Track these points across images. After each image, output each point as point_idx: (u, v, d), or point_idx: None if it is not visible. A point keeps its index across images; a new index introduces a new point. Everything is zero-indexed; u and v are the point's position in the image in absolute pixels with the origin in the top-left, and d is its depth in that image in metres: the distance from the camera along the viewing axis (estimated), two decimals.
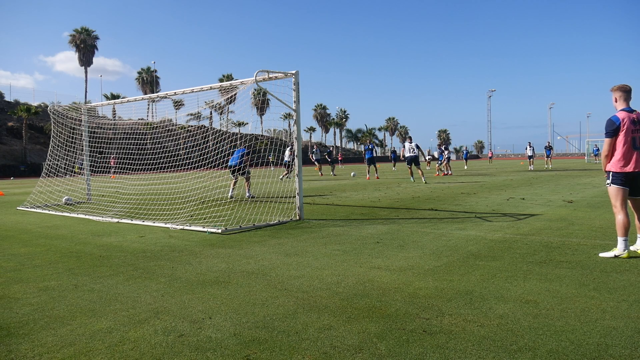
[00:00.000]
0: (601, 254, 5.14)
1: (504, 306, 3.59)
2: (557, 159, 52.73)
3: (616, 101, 5.10)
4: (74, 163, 14.01)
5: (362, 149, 29.64)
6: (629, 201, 5.12)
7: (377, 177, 22.49)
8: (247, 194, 12.99)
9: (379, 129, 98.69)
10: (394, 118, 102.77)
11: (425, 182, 17.99)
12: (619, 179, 4.99)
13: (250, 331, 3.23)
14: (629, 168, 4.94)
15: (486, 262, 5.00)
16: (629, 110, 4.98)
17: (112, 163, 14.90)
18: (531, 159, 30.92)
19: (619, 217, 4.97)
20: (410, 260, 5.16)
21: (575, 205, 9.78)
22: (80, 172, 14.24)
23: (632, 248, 5.18)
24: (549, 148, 32.77)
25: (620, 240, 4.99)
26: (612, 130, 4.95)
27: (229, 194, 12.95)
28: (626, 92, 5.03)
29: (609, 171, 5.06)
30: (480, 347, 2.86)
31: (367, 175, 23.36)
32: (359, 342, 3.00)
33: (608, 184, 5.09)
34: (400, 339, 3.02)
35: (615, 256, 5.00)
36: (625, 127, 4.90)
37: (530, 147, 31.16)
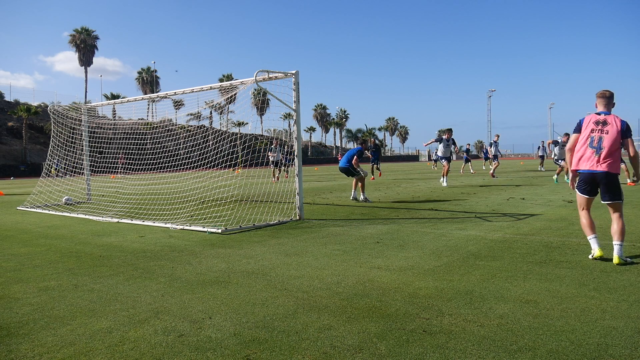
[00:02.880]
0: (590, 256, 5.10)
1: (504, 306, 3.59)
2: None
3: (596, 107, 5.21)
4: (50, 164, 13.88)
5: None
6: (607, 206, 5.11)
7: (380, 174, 22.32)
8: (362, 197, 11.67)
9: (379, 129, 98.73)
10: (394, 118, 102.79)
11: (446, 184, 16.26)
12: (579, 182, 5.13)
13: (250, 331, 3.23)
14: (583, 166, 5.00)
15: (486, 262, 5.00)
16: (599, 113, 5.09)
17: (120, 162, 14.88)
18: (542, 160, 29.31)
19: (581, 219, 5.20)
20: (410, 260, 5.17)
21: (575, 205, 9.76)
22: (56, 173, 14.16)
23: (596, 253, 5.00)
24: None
25: (589, 239, 5.09)
26: (576, 127, 5.17)
27: (352, 196, 11.99)
28: (604, 97, 5.13)
29: (574, 170, 5.17)
30: (480, 347, 2.86)
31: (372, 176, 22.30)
32: (359, 342, 3.00)
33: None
34: (400, 339, 3.02)
35: (593, 257, 4.98)
36: (586, 125, 5.04)
37: (542, 147, 29.53)
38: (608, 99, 5.10)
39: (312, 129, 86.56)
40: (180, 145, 15.96)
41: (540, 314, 3.41)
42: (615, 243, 4.85)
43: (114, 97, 57.26)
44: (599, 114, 5.08)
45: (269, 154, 20.46)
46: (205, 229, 7.59)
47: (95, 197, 13.63)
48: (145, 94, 59.99)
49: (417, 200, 11.71)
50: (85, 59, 63.33)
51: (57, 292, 4.29)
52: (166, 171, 13.16)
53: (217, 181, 12.26)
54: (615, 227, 4.91)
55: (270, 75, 8.74)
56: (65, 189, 13.74)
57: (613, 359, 2.69)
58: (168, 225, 8.26)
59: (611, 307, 3.52)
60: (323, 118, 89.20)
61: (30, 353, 2.97)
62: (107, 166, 13.92)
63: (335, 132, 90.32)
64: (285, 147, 21.68)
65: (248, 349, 2.93)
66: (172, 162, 12.81)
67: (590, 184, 5.01)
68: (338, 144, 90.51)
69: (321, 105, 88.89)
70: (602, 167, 4.87)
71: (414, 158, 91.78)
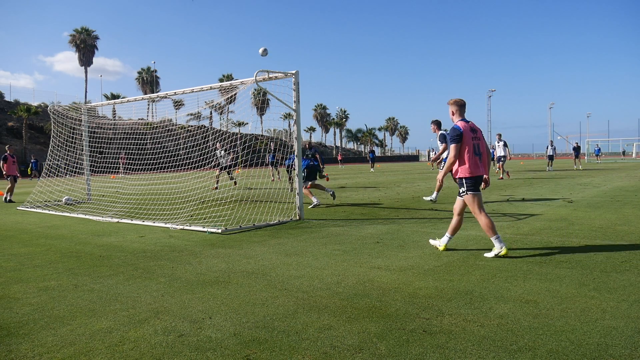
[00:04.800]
0: (486, 254, 5.31)
1: (504, 306, 3.59)
2: (557, 158, 52.61)
3: (453, 114, 5.50)
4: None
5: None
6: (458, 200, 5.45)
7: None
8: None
9: (379, 129, 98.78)
10: (394, 118, 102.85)
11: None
12: (471, 184, 5.26)
13: (250, 331, 3.23)
14: (475, 172, 5.25)
15: (486, 262, 5.00)
16: (466, 120, 5.40)
17: (121, 161, 14.84)
18: (551, 160, 28.10)
19: (482, 220, 5.24)
20: (410, 260, 5.17)
21: (575, 205, 9.77)
22: (31, 173, 14.09)
23: (432, 242, 5.61)
24: (577, 148, 31.84)
25: (493, 239, 5.21)
26: (458, 136, 5.26)
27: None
28: (461, 106, 5.48)
29: (462, 178, 5.30)
30: (480, 347, 2.86)
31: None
32: (359, 342, 3.00)
33: (464, 192, 5.32)
34: (400, 339, 3.02)
35: (497, 255, 5.18)
36: (465, 134, 5.28)
37: (551, 146, 28.37)
38: (463, 106, 5.51)
39: (312, 129, 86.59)
40: (180, 145, 15.95)
41: (540, 314, 3.41)
42: (494, 238, 5.22)
43: (114, 97, 57.29)
44: (467, 121, 5.41)
45: (220, 156, 15.68)
46: (205, 229, 7.59)
47: (95, 197, 13.63)
48: (145, 94, 60.01)
49: (417, 200, 11.70)
50: (85, 59, 63.35)
51: (57, 292, 4.29)
52: (166, 171, 13.16)
53: (217, 181, 12.26)
54: (486, 222, 5.25)
55: (270, 75, 8.74)
56: (65, 189, 13.74)
57: (613, 359, 2.69)
58: (168, 225, 8.25)
59: (611, 307, 3.52)
60: (323, 118, 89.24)
61: (30, 353, 2.97)
62: (107, 166, 13.92)
63: (335, 132, 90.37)
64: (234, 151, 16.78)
65: (248, 349, 2.93)
66: (172, 162, 12.81)
67: (478, 184, 5.35)
68: (338, 144, 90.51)
69: (321, 105, 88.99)
70: (483, 171, 5.33)
71: (414, 158, 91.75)
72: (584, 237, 6.28)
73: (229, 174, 16.14)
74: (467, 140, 5.24)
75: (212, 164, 15.14)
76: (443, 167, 6.18)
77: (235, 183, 15.47)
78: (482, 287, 4.09)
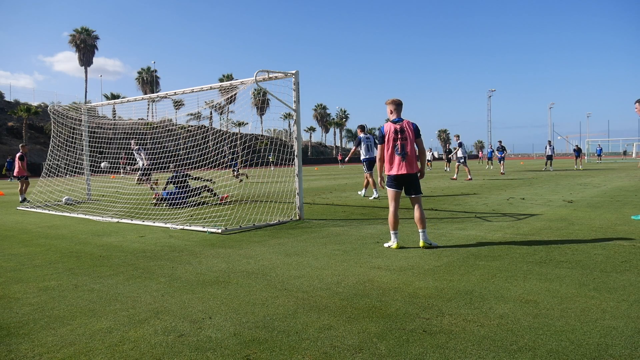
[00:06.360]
0: (385, 244, 5.96)
1: (504, 306, 3.59)
2: (557, 158, 52.59)
3: (391, 113, 5.87)
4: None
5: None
6: (409, 199, 5.89)
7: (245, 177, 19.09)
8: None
9: (379, 129, 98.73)
10: None
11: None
12: (390, 181, 5.80)
13: (250, 331, 3.23)
14: (394, 171, 5.73)
15: (486, 262, 5.00)
16: (395, 121, 5.80)
17: (122, 162, 14.80)
18: (550, 159, 28.84)
19: (389, 212, 5.84)
20: (410, 260, 5.17)
21: (575, 205, 9.77)
22: (7, 174, 13.99)
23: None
24: (578, 150, 33.29)
25: (391, 234, 5.84)
26: (381, 137, 5.84)
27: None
28: (398, 105, 5.88)
29: (386, 174, 5.84)
30: (480, 347, 2.86)
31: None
32: (359, 342, 3.00)
33: (387, 185, 5.87)
34: (400, 339, 3.02)
35: (389, 247, 5.84)
36: (388, 135, 5.74)
37: (550, 146, 28.88)
38: (400, 106, 5.87)
39: (312, 129, 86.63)
40: (180, 145, 15.94)
41: (540, 314, 3.41)
42: (420, 231, 5.75)
43: (114, 97, 57.27)
44: (395, 121, 5.78)
45: (136, 157, 12.94)
46: (205, 229, 7.59)
47: (95, 197, 13.63)
48: (145, 94, 59.99)
49: None
50: (85, 59, 63.34)
51: (57, 292, 4.29)
52: (166, 171, 13.15)
53: (217, 181, 12.27)
54: (418, 216, 5.76)
55: (270, 75, 8.74)
56: (65, 189, 13.74)
57: (613, 359, 2.69)
58: (168, 225, 8.25)
59: (611, 307, 3.52)
60: (323, 118, 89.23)
61: (30, 353, 2.97)
62: (107, 166, 13.91)
63: (335, 132, 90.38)
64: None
65: (248, 349, 2.93)
66: (172, 162, 12.80)
67: (401, 183, 5.78)
68: (338, 144, 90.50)
69: (321, 105, 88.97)
70: (409, 170, 5.70)
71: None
72: (584, 237, 6.28)
73: (140, 182, 13.32)
74: (390, 141, 5.72)
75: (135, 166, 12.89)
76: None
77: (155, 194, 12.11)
78: (482, 287, 4.09)
